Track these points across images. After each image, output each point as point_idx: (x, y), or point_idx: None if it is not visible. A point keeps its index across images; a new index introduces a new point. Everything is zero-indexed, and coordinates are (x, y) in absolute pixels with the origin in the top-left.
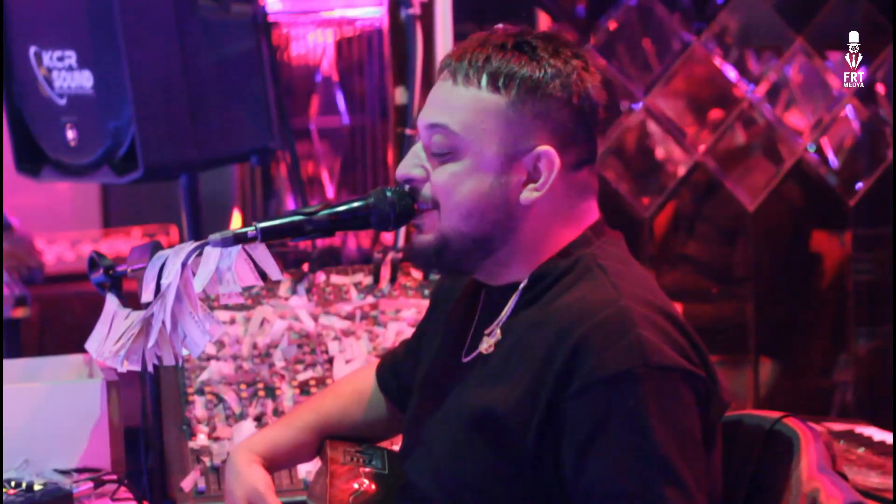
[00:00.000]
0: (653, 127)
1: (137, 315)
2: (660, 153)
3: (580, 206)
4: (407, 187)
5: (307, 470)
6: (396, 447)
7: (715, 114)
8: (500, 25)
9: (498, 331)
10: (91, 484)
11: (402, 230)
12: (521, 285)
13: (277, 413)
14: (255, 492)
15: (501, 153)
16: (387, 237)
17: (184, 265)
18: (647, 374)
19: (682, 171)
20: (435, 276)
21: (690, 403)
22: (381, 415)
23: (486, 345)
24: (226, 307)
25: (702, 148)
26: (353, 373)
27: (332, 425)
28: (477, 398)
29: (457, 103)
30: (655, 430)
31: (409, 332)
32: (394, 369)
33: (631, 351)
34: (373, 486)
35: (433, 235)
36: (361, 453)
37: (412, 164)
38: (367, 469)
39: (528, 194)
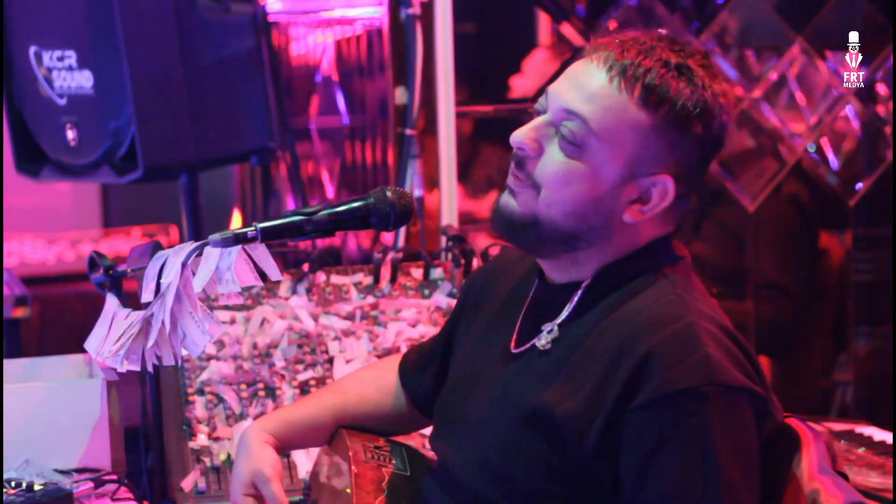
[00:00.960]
0: None
1: (137, 315)
2: None
3: (666, 227)
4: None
5: (307, 470)
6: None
7: None
8: (665, 31)
9: (556, 328)
10: (91, 484)
11: (403, 229)
12: (585, 284)
13: None
14: (261, 474)
15: (626, 170)
16: (387, 237)
17: (184, 265)
18: (714, 392)
19: None
20: (436, 276)
21: (752, 423)
22: (400, 410)
23: (544, 340)
24: (226, 307)
25: None
26: (379, 363)
27: (350, 411)
28: (534, 394)
29: (604, 102)
30: (719, 450)
31: (409, 332)
32: (417, 367)
33: (699, 368)
34: (395, 490)
35: (524, 211)
36: (381, 450)
37: (531, 137)
38: (390, 470)
39: (633, 214)
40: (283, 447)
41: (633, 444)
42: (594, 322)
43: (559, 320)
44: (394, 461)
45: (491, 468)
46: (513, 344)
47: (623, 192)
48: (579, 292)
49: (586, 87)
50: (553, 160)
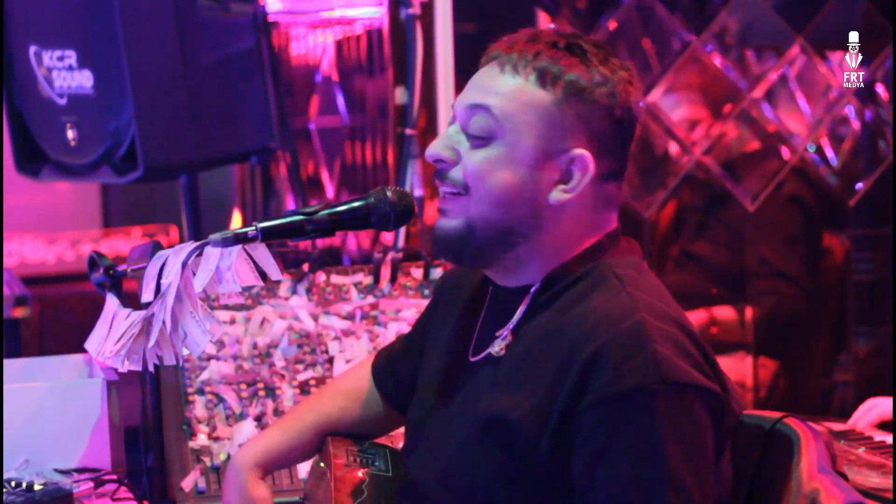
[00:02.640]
0: (652, 127)
1: (138, 315)
2: (659, 153)
3: (603, 216)
4: (435, 170)
5: (307, 470)
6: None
7: (715, 113)
8: (552, 25)
9: (509, 334)
10: (91, 484)
11: (403, 229)
12: (534, 288)
13: (277, 413)
14: None
15: (538, 148)
16: (387, 237)
17: (184, 265)
18: (662, 390)
19: (681, 170)
20: (436, 276)
21: (704, 420)
22: (379, 412)
23: (497, 347)
24: (226, 307)
25: (701, 148)
26: (351, 370)
27: (332, 424)
28: (489, 403)
29: (501, 90)
30: (667, 447)
31: None
32: (390, 368)
33: (647, 367)
34: (376, 490)
35: (459, 221)
36: (363, 453)
37: (444, 145)
38: (370, 471)
39: (558, 195)
40: (272, 471)
41: (582, 445)
42: (545, 326)
43: (511, 325)
44: (376, 463)
45: (452, 479)
46: (470, 353)
47: (543, 174)
48: (529, 296)
49: (483, 83)
50: (471, 158)
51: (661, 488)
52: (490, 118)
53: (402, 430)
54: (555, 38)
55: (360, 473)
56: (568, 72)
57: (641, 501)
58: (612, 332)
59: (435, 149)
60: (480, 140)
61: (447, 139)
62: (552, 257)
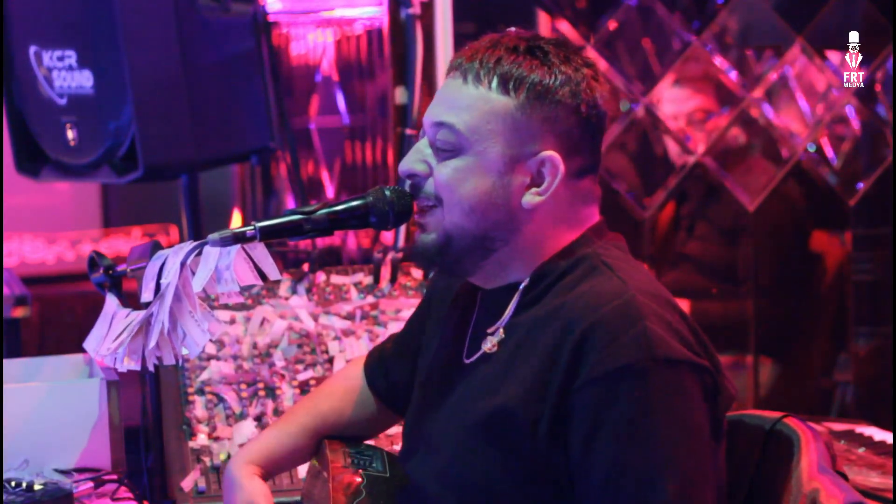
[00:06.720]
0: (652, 127)
1: (137, 315)
2: (659, 153)
3: (582, 211)
4: (409, 183)
5: (307, 470)
6: (397, 447)
7: (715, 113)
8: (512, 29)
9: (501, 330)
10: (91, 484)
11: (403, 229)
12: (522, 285)
13: (277, 413)
14: None
15: (506, 155)
16: (387, 237)
17: (183, 265)
18: (653, 367)
19: (681, 170)
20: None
21: (697, 396)
22: (372, 411)
23: (490, 344)
24: (226, 307)
25: (701, 148)
26: (343, 370)
27: (327, 425)
28: (484, 398)
29: (464, 102)
30: (660, 424)
31: None
32: (382, 367)
33: (637, 343)
34: (374, 491)
35: (436, 234)
36: (360, 455)
37: (415, 160)
38: (367, 472)
39: (531, 198)
40: (268, 475)
41: (577, 424)
42: (537, 316)
43: (503, 322)
44: (373, 464)
45: (451, 477)
46: (464, 355)
47: (514, 179)
48: (518, 293)
49: (447, 97)
50: (441, 171)
51: (655, 466)
52: (455, 134)
53: (401, 430)
54: (515, 42)
55: (357, 474)
56: (530, 75)
57: (634, 480)
58: (602, 311)
59: (407, 164)
60: (448, 153)
61: (418, 153)
62: (534, 256)
